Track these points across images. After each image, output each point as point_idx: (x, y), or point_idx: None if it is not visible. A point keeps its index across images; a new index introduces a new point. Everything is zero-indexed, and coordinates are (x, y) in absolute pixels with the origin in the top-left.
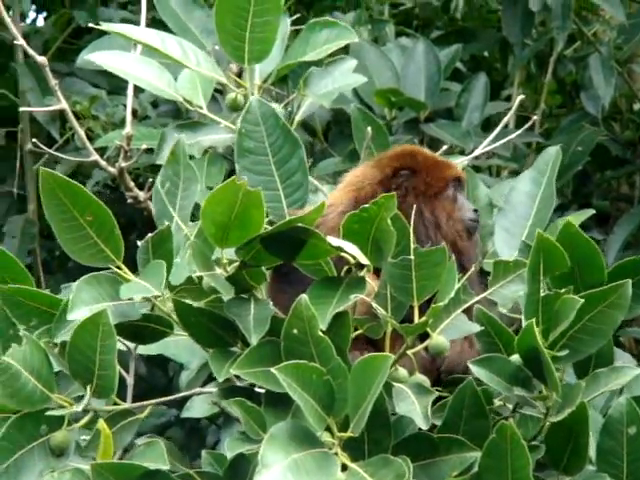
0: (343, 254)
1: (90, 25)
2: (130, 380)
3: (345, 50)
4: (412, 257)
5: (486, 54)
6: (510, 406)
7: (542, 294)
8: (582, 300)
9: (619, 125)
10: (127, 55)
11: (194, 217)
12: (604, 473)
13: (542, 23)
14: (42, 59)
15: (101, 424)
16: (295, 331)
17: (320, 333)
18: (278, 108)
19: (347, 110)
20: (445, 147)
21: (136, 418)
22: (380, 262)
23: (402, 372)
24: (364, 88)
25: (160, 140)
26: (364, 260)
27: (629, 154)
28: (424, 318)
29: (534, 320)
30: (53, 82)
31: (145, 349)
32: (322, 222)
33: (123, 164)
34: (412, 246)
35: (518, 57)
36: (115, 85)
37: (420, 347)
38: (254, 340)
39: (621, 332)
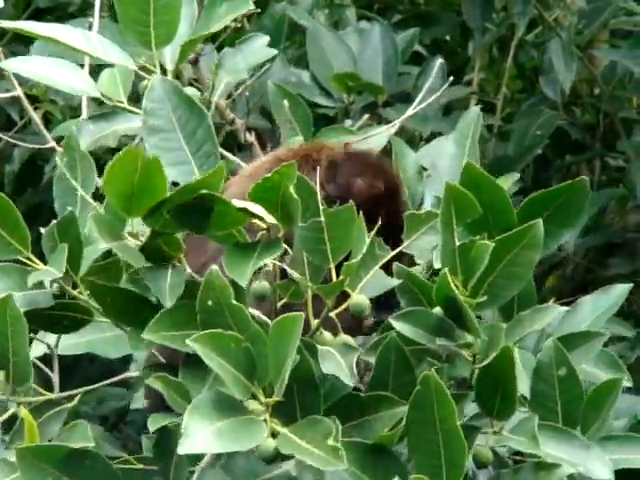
0: (254, 221)
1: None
2: (55, 377)
3: (302, 35)
4: (322, 219)
5: (448, 38)
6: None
7: (457, 243)
8: (493, 244)
9: (580, 110)
10: (42, 59)
11: None
12: (535, 415)
13: (504, 8)
14: None
15: (23, 412)
16: (210, 302)
17: (234, 301)
18: (194, 91)
19: (306, 95)
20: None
21: (64, 408)
22: (291, 227)
23: (326, 335)
24: (322, 73)
25: (75, 133)
26: (270, 219)
27: (588, 138)
28: (340, 277)
29: (448, 269)
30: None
31: (70, 348)
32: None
33: None
34: (321, 208)
35: (478, 42)
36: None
37: (341, 308)
38: (168, 303)
39: None
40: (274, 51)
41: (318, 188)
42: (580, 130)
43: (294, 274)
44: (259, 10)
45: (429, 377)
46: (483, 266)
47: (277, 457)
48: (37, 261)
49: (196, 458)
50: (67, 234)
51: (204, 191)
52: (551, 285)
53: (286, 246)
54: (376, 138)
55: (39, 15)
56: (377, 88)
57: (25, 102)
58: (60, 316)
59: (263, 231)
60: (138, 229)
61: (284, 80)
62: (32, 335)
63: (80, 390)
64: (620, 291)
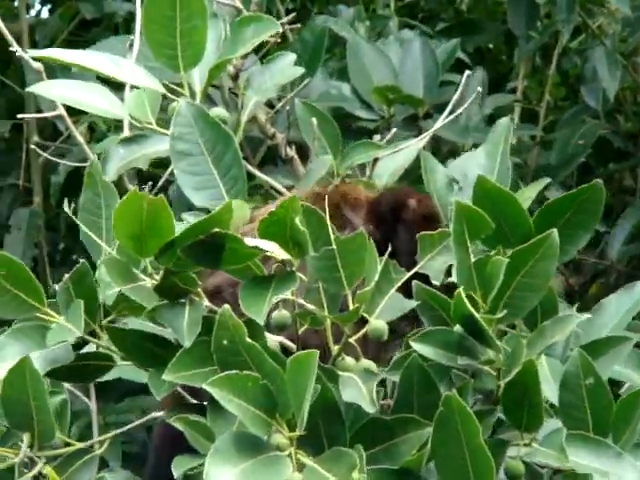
0: (268, 254)
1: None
2: (92, 405)
3: (343, 47)
4: (334, 247)
5: (491, 46)
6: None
7: (473, 260)
8: (507, 260)
9: (623, 118)
10: (69, 82)
11: None
12: (566, 426)
13: (547, 15)
14: (38, 66)
15: (47, 470)
16: (225, 342)
17: (249, 340)
18: (222, 111)
19: (346, 108)
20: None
21: (93, 456)
22: (303, 258)
23: (349, 360)
24: (362, 86)
25: (105, 157)
26: (283, 254)
27: (631, 146)
28: (356, 306)
29: (465, 286)
30: None
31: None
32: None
33: None
34: (332, 236)
35: (522, 50)
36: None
37: (360, 334)
38: (187, 342)
39: None
40: (301, 70)
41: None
42: (623, 138)
43: (309, 306)
44: (298, 24)
45: (451, 398)
46: (499, 281)
47: None
48: (55, 315)
49: None
50: (82, 286)
51: (215, 230)
52: (594, 293)
53: (302, 275)
54: (406, 152)
55: (86, 26)
56: (417, 100)
57: (67, 118)
58: (81, 366)
59: (278, 263)
60: (153, 267)
61: (325, 93)
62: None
63: (107, 436)
64: None
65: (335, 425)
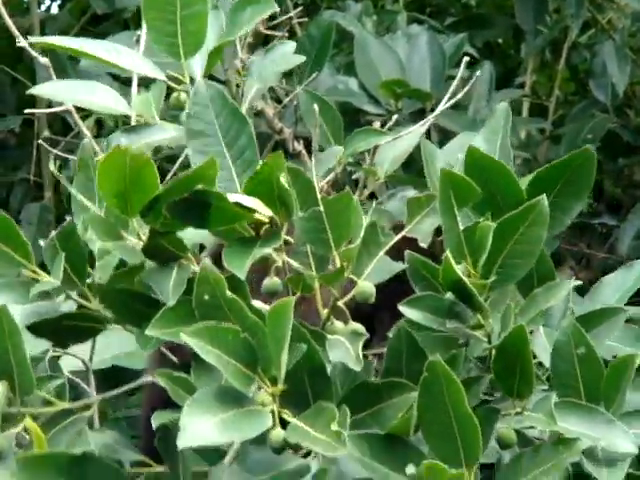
0: (256, 216)
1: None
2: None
3: (351, 42)
4: (321, 207)
5: (500, 41)
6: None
7: (462, 227)
8: (494, 225)
9: (633, 113)
10: (70, 82)
11: None
12: (558, 396)
13: (557, 10)
14: (45, 61)
15: (29, 423)
16: (206, 297)
17: (230, 294)
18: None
19: (354, 103)
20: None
21: (78, 417)
22: (290, 219)
23: (337, 324)
24: (369, 80)
25: (107, 146)
26: (267, 211)
27: None
28: (340, 264)
29: (455, 253)
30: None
31: (97, 364)
32: None
33: None
34: (319, 197)
35: (531, 44)
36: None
37: (348, 297)
38: (171, 300)
39: None
40: (302, 57)
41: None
42: (632, 132)
43: (295, 264)
44: (306, 18)
45: (436, 363)
46: (488, 247)
47: (286, 447)
48: (44, 274)
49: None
50: (68, 244)
51: (199, 186)
52: None
53: (289, 238)
54: (407, 138)
55: (96, 21)
56: (425, 94)
57: (75, 115)
58: (71, 326)
59: (266, 226)
60: (143, 231)
61: (332, 88)
62: (62, 351)
63: (93, 399)
64: None
65: (322, 385)
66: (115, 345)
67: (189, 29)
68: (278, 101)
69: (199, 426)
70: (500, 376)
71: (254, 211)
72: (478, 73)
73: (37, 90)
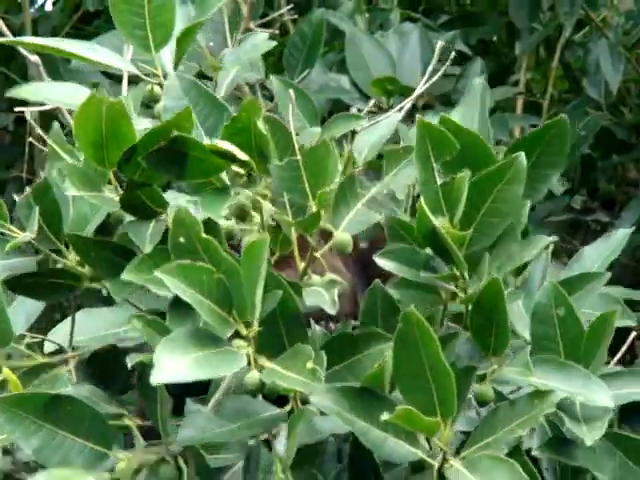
0: (233, 168)
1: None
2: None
3: (343, 40)
4: (298, 156)
5: (494, 39)
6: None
7: (439, 182)
8: (469, 173)
9: (627, 110)
10: (51, 85)
11: None
12: (529, 345)
13: (551, 8)
14: (35, 59)
15: (5, 371)
16: (181, 239)
17: (205, 235)
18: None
19: (345, 100)
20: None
21: (57, 373)
22: (267, 168)
23: (315, 278)
24: (361, 78)
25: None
26: (243, 156)
27: (634, 138)
28: (317, 209)
29: (430, 210)
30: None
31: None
32: None
33: None
34: (296, 146)
35: (525, 42)
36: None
37: (325, 247)
38: (147, 248)
39: None
40: (273, 43)
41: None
42: (626, 130)
43: (268, 205)
44: (297, 16)
45: (410, 314)
46: (464, 199)
47: (262, 388)
48: (18, 231)
49: None
50: (43, 200)
51: (175, 133)
52: None
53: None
54: (384, 123)
55: (88, 19)
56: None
57: (66, 114)
58: (46, 283)
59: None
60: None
61: (324, 85)
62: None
63: (70, 355)
64: (620, 236)
65: (297, 332)
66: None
67: (158, 21)
68: (271, 99)
69: (173, 363)
70: (476, 332)
71: (232, 161)
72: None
73: (13, 93)
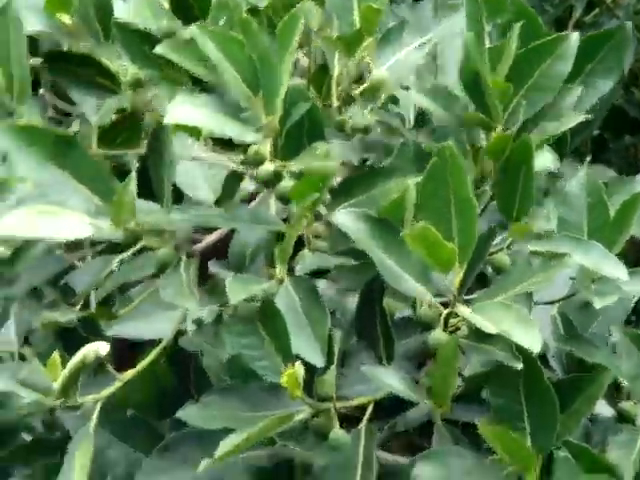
0: None
1: None
2: None
3: None
4: None
5: None
6: None
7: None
8: (520, 23)
9: (639, 91)
10: None
11: None
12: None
13: None
14: None
15: None
16: (221, 21)
17: (245, 15)
18: None
19: None
20: None
21: None
22: None
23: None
24: None
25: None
26: None
27: None
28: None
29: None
30: None
31: None
32: None
33: None
34: None
35: None
36: None
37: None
38: None
39: None
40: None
41: None
42: (638, 108)
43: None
44: None
45: (445, 148)
46: (512, 57)
47: (276, 179)
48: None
49: None
50: None
51: None
52: None
53: None
54: None
55: None
56: None
57: None
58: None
59: None
60: None
61: None
62: None
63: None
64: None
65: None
66: None
67: None
68: None
69: (186, 108)
70: (501, 195)
71: None
72: None
73: None
